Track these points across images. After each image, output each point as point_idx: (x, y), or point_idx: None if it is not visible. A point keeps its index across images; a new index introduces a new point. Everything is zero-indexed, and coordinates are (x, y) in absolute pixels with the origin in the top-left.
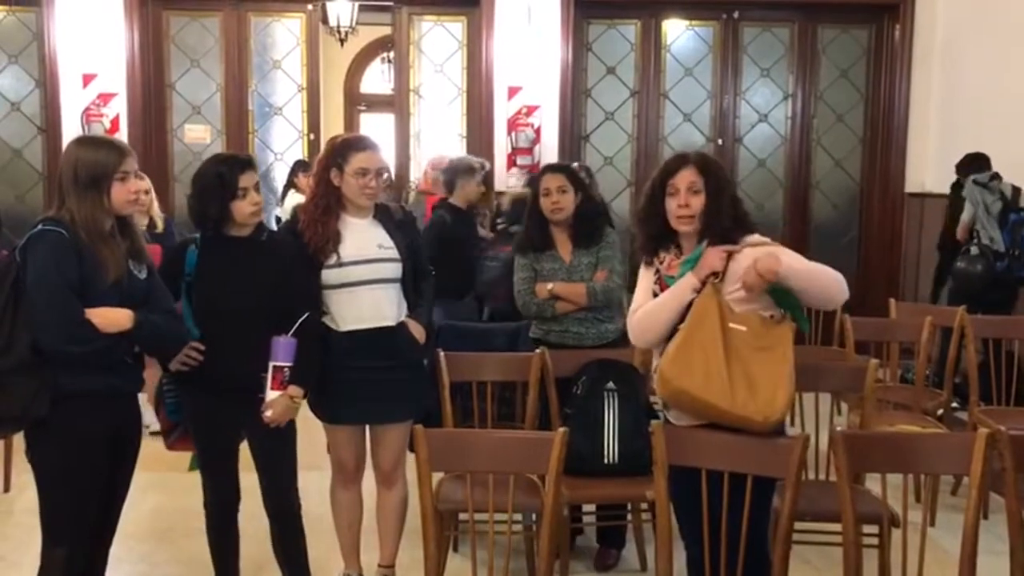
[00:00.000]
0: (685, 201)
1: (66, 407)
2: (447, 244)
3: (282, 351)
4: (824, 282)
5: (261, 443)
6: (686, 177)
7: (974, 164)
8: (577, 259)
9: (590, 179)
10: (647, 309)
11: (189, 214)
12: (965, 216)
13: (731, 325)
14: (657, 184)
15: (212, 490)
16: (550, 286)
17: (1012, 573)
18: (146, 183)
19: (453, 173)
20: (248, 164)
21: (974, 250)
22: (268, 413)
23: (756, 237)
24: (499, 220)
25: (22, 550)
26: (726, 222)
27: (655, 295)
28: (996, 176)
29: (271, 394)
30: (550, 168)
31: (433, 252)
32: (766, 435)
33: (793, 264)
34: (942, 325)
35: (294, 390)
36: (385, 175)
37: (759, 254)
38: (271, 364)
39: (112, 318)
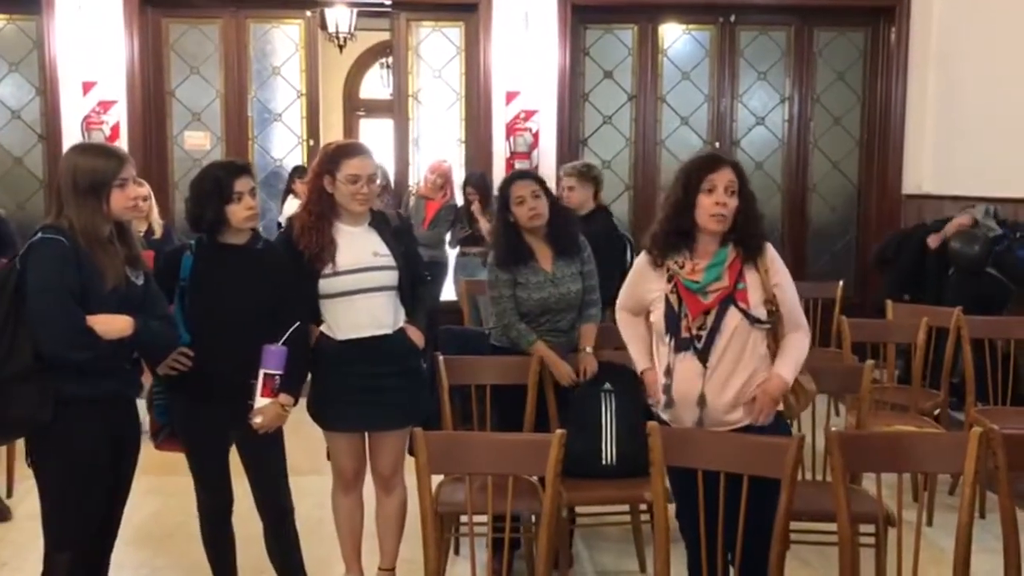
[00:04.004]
0: (723, 200)
1: (68, 413)
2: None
3: (273, 359)
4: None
5: (249, 448)
6: (725, 176)
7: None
8: (560, 269)
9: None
10: (628, 340)
11: (186, 218)
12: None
13: None
14: (693, 177)
15: (203, 495)
16: (590, 370)
17: (1006, 570)
18: (145, 189)
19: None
20: (244, 169)
21: (970, 232)
22: (258, 420)
23: (771, 250)
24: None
25: (23, 555)
26: (755, 228)
27: (667, 300)
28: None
29: (261, 401)
30: (518, 176)
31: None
32: (763, 435)
33: (789, 365)
34: (938, 326)
35: (285, 398)
36: (378, 181)
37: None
38: (262, 371)
39: (113, 324)
